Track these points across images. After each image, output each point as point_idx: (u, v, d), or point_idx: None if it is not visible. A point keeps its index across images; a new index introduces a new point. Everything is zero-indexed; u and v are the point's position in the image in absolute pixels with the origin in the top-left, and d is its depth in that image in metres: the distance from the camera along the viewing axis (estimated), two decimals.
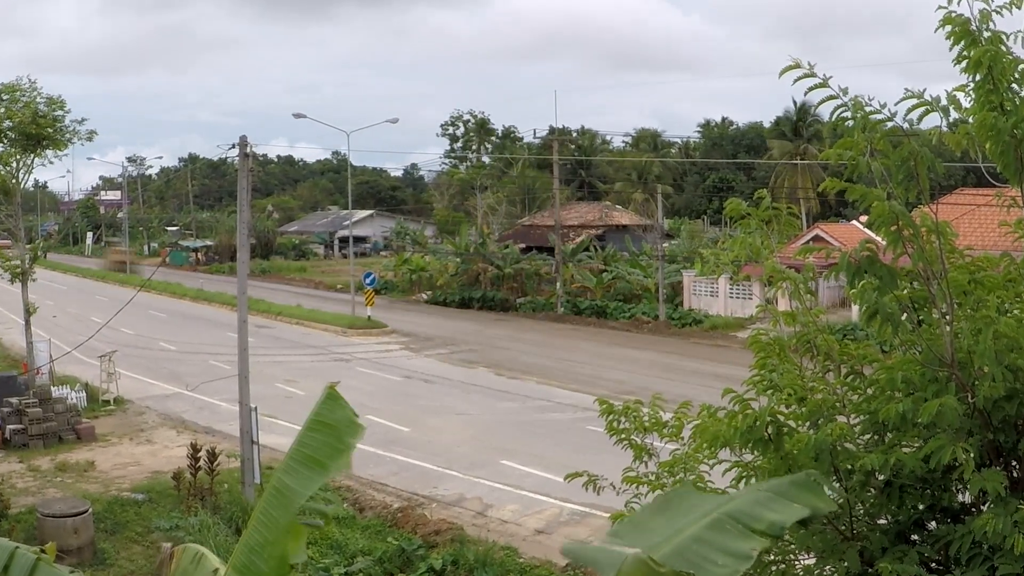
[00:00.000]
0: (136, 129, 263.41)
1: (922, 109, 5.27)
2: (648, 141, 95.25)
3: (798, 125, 78.22)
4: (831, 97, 5.43)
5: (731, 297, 44.04)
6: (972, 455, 4.98)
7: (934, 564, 5.56)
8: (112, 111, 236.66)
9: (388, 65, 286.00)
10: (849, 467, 5.55)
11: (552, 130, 69.99)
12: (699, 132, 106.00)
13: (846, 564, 5.48)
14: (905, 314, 5.53)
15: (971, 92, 5.25)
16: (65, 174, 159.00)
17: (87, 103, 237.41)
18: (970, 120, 5.28)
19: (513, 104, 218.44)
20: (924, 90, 5.28)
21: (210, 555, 3.72)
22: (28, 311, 26.95)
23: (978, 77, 5.17)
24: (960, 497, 5.58)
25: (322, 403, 3.61)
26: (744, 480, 6.01)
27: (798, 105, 77.00)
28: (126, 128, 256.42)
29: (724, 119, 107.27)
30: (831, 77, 5.40)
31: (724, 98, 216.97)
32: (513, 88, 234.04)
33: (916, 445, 5.44)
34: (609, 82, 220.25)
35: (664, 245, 49.03)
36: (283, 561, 3.36)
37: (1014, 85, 5.22)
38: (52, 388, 26.33)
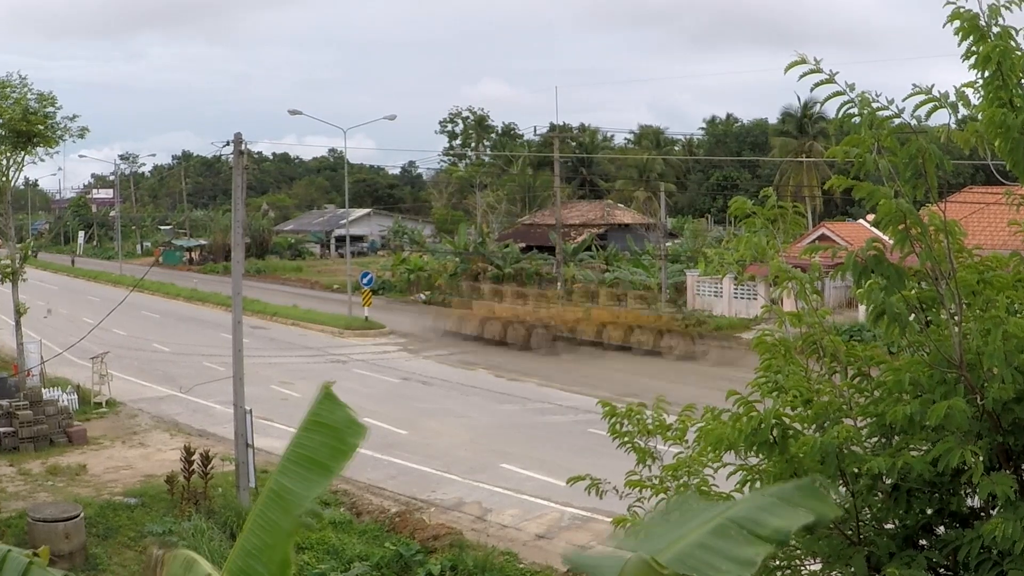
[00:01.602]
0: (129, 125, 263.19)
1: (930, 105, 5.28)
2: (650, 138, 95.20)
3: (803, 122, 78.16)
4: (838, 93, 5.43)
5: (735, 297, 44.03)
6: (981, 458, 4.99)
7: (942, 569, 5.57)
8: (105, 107, 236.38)
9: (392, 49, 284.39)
10: (856, 470, 5.56)
11: (553, 127, 70.02)
12: (703, 129, 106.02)
13: (853, 570, 5.48)
14: (913, 315, 5.53)
15: (980, 88, 5.25)
16: (56, 172, 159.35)
17: (78, 93, 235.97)
18: (979, 117, 5.28)
19: (516, 99, 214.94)
20: (932, 86, 5.29)
21: (202, 561, 3.70)
22: (18, 311, 26.95)
23: (987, 73, 5.17)
24: (969, 501, 5.58)
25: (318, 403, 3.60)
26: (749, 484, 6.01)
27: (803, 101, 77.00)
28: (119, 124, 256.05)
29: (729, 115, 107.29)
30: (837, 72, 5.41)
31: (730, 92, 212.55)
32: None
33: (924, 448, 5.44)
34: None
35: (667, 244, 49.03)
36: (284, 566, 3.35)
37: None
38: (43, 390, 26.33)
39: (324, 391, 3.63)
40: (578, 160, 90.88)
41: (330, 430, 3.48)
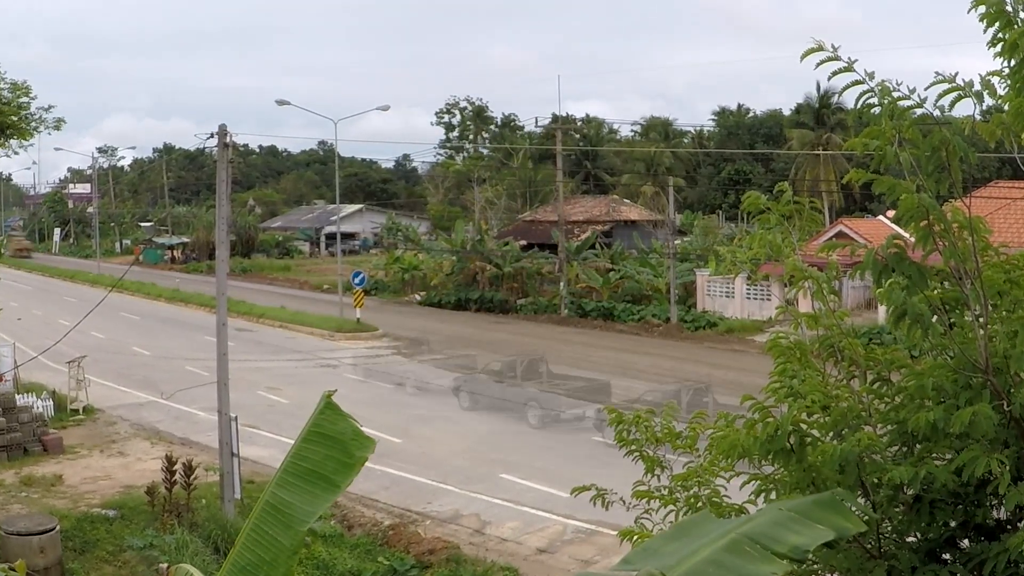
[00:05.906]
0: (109, 117, 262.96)
1: (954, 95, 5.26)
2: (659, 130, 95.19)
3: (821, 113, 78.17)
4: (857, 82, 5.42)
5: (748, 298, 44.05)
6: (1008, 468, 4.98)
7: None
8: (84, 98, 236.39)
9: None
10: (876, 480, 5.56)
11: (555, 118, 69.98)
12: (714, 120, 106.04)
13: None
14: (936, 316, 5.53)
15: (1007, 77, 5.25)
16: (31, 165, 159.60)
17: (54, 86, 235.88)
18: (1005, 108, 5.28)
19: (514, 90, 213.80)
20: (956, 74, 5.28)
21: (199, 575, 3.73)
22: None
23: (1014, 61, 5.17)
24: (995, 513, 5.58)
25: (320, 413, 3.60)
26: (764, 494, 6.01)
27: (821, 91, 77.02)
28: (98, 116, 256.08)
29: (740, 106, 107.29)
30: (856, 60, 5.40)
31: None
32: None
33: (948, 457, 5.44)
34: None
35: (676, 242, 49.04)
36: None
37: None
38: (16, 396, 26.31)
39: (326, 401, 3.63)
40: (582, 153, 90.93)
41: (334, 442, 3.48)
